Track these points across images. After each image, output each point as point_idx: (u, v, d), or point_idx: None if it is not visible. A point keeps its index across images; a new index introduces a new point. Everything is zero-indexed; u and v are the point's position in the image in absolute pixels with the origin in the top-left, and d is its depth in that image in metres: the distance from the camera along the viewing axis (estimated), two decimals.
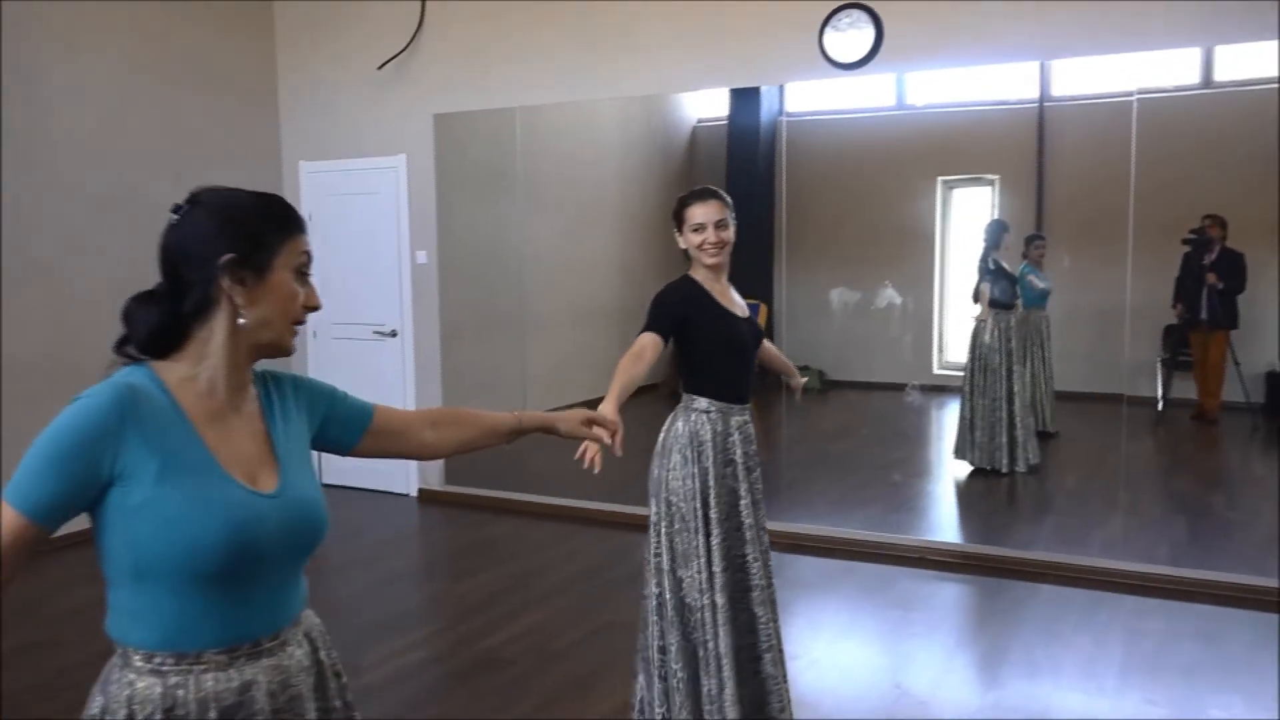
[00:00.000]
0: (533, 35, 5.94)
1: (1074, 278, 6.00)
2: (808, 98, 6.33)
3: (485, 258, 6.81)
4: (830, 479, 6.38)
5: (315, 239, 6.46)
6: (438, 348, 6.45)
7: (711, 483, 2.96)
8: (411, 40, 6.23)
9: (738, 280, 3.13)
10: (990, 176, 6.33)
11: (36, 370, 5.30)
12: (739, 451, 3.03)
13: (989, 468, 5.86)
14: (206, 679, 1.39)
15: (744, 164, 6.70)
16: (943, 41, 4.99)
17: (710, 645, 2.91)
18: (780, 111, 6.14)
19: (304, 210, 6.75)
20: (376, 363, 6.65)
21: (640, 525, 5.70)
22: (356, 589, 4.91)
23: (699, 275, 3.04)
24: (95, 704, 1.43)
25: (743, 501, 3.01)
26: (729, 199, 3.03)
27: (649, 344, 2.91)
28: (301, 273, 1.50)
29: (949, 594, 4.78)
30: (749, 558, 3.00)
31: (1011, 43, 4.89)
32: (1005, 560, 4.96)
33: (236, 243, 1.42)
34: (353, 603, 4.71)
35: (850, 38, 5.11)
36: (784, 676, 3.09)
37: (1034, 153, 6.06)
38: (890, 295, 6.37)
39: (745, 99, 6.39)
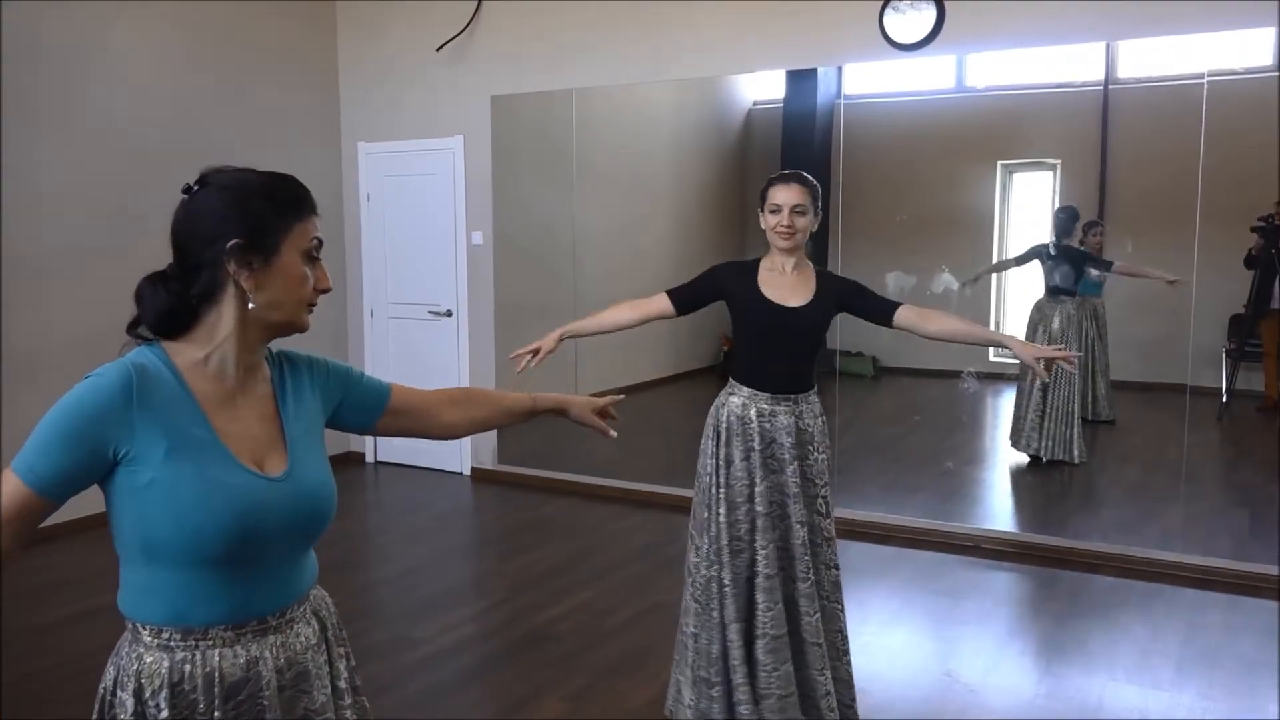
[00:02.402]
0: (590, 17, 5.94)
1: (1137, 264, 5.87)
2: (865, 80, 6.25)
3: (540, 240, 6.85)
4: (883, 466, 6.34)
5: (373, 219, 6.56)
6: (492, 328, 6.50)
7: (731, 465, 2.98)
8: (470, 22, 6.27)
9: None
10: (1052, 161, 6.21)
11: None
12: (777, 441, 2.97)
13: (1048, 457, 5.78)
14: (213, 655, 1.41)
15: (799, 147, 6.64)
16: (1006, 22, 4.90)
17: (715, 614, 2.99)
18: (837, 94, 6.08)
19: (362, 191, 6.86)
20: (431, 342, 6.73)
21: (689, 508, 5.72)
22: (411, 564, 4.99)
23: (767, 260, 3.03)
24: (107, 675, 1.46)
25: (790, 494, 2.98)
26: (816, 187, 2.99)
27: (655, 302, 3.09)
28: (311, 255, 1.49)
29: (1002, 583, 4.74)
30: (794, 550, 2.98)
31: (1077, 23, 4.79)
32: (1060, 550, 4.89)
33: (244, 226, 1.41)
34: (407, 577, 4.79)
35: (911, 18, 5.03)
36: (837, 675, 3.05)
37: (1098, 137, 5.93)
38: (947, 280, 6.28)
39: (802, 81, 6.34)
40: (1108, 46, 5.50)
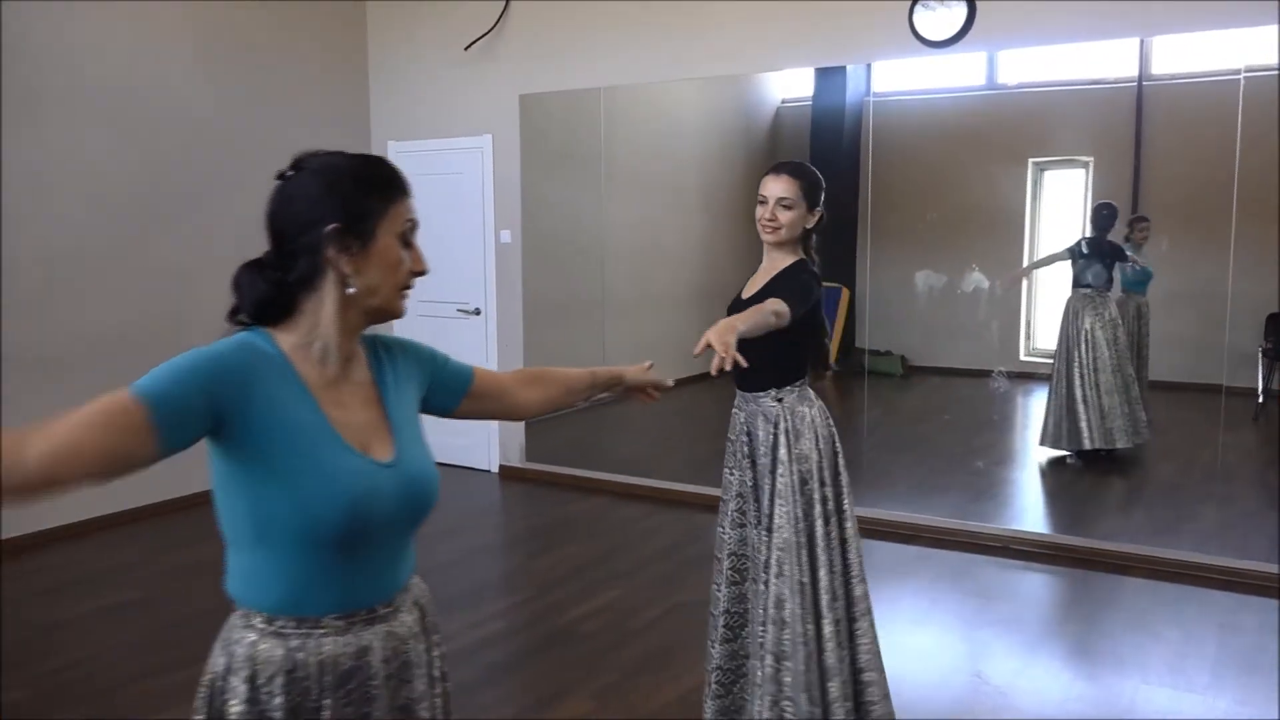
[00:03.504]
0: (618, 15, 5.95)
1: (1171, 263, 5.80)
2: (895, 77, 6.22)
3: (568, 238, 6.86)
4: (912, 465, 6.30)
5: None
6: (520, 326, 6.53)
7: (732, 475, 2.90)
8: (498, 21, 6.29)
9: (822, 263, 3.01)
10: (1084, 158, 6.15)
11: (121, 342, 5.53)
12: (755, 441, 2.82)
13: (1092, 448, 5.76)
14: (326, 642, 1.40)
15: (828, 145, 6.62)
16: (1037, 18, 4.85)
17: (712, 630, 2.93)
18: (867, 91, 6.04)
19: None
20: (459, 341, 6.76)
21: (718, 507, 5.71)
22: (439, 561, 5.02)
23: (764, 250, 2.92)
24: (218, 662, 1.44)
25: (764, 502, 2.79)
26: (812, 180, 2.83)
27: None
28: (406, 238, 1.48)
29: (1032, 584, 4.69)
30: (771, 556, 2.74)
31: (1110, 19, 4.73)
32: (1091, 551, 4.84)
33: (341, 211, 1.40)
34: (435, 574, 4.80)
35: (941, 15, 5.00)
36: (827, 685, 2.75)
37: (1131, 134, 5.87)
38: (977, 279, 6.24)
39: (830, 79, 6.31)
40: (1141, 42, 5.44)
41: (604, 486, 6.21)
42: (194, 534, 5.33)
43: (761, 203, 2.83)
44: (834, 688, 2.72)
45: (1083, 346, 5.73)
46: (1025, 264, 6.26)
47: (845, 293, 6.71)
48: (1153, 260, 5.74)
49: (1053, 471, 6.01)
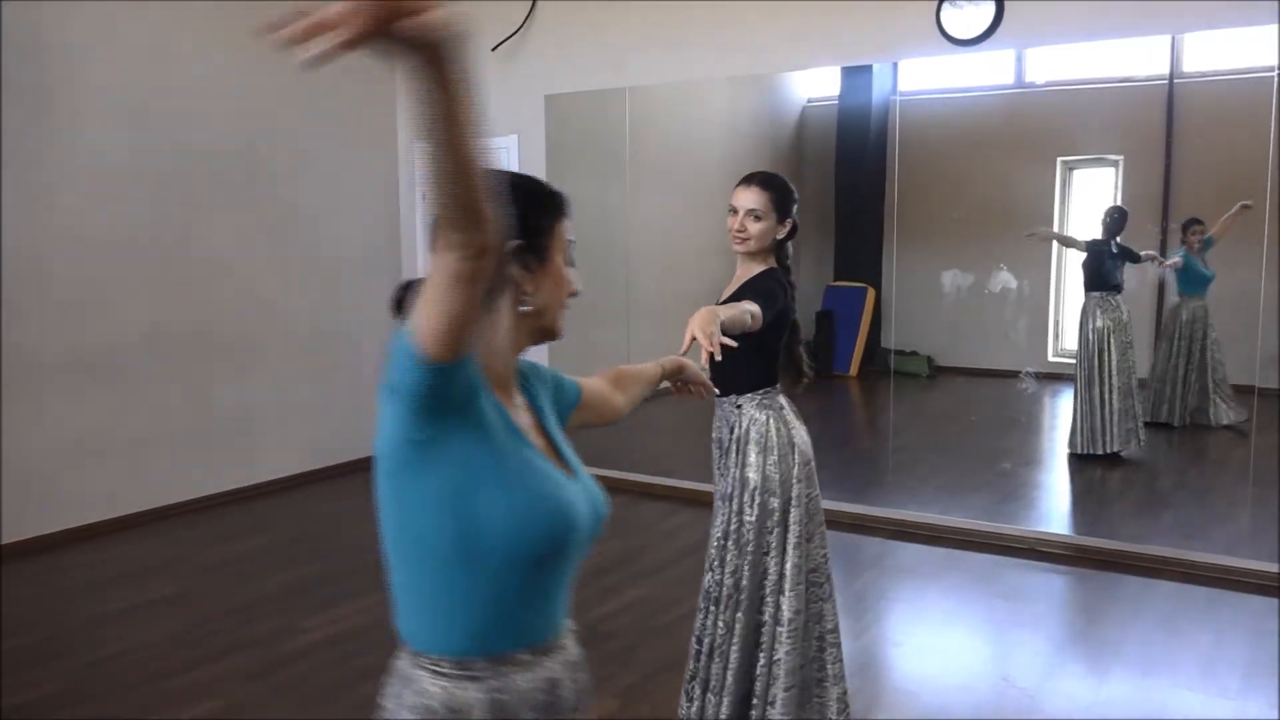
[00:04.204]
0: (643, 15, 5.95)
1: (1202, 263, 5.73)
2: (922, 75, 6.18)
3: (593, 238, 6.86)
4: (938, 466, 6.26)
5: (428, 218, 6.58)
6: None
7: (715, 479, 2.98)
8: (524, 22, 6.31)
9: (847, 263, 3.04)
10: (1114, 157, 6.09)
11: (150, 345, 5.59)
12: (721, 451, 2.92)
13: (1108, 450, 5.72)
14: (519, 679, 1.31)
15: (854, 144, 6.59)
16: (1067, 15, 4.81)
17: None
18: (893, 90, 6.02)
19: (417, 191, 6.93)
20: None
21: None
22: None
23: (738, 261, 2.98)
24: (397, 714, 1.33)
25: (720, 506, 2.88)
26: (782, 191, 2.85)
27: None
28: (568, 257, 1.47)
29: (1060, 586, 4.65)
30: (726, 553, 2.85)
31: (1140, 16, 4.68)
32: (1120, 554, 4.79)
33: (520, 227, 1.35)
34: None
35: (969, 13, 4.96)
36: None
37: (1162, 132, 5.81)
38: (1005, 279, 6.20)
39: (857, 78, 6.29)
40: (1173, 40, 5.38)
41: (625, 485, 6.21)
42: (230, 530, 5.39)
43: (732, 213, 2.90)
44: (760, 684, 2.84)
45: (1099, 348, 5.71)
46: (1054, 265, 6.20)
47: (871, 293, 6.68)
48: (1168, 261, 5.69)
49: (1081, 473, 5.95)
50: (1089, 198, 6.11)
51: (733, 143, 7.39)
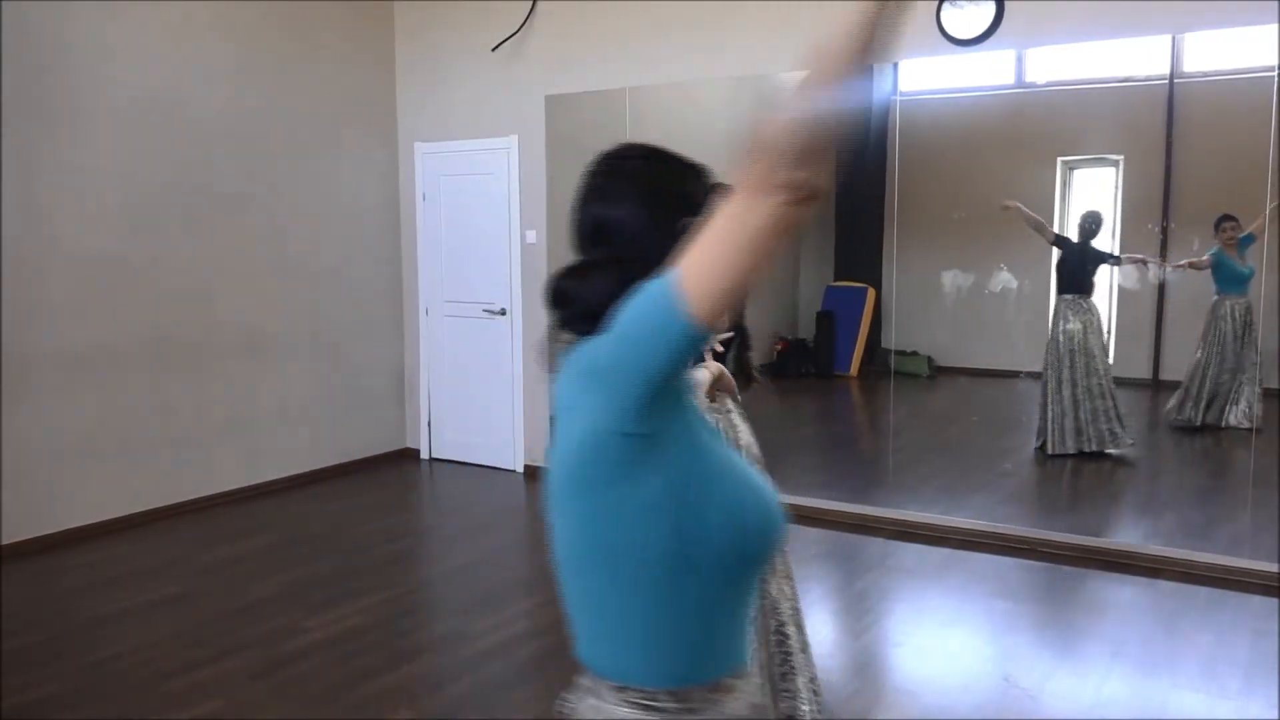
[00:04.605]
0: (643, 16, 5.95)
1: (1239, 260, 5.71)
2: (922, 75, 6.18)
3: None
4: (939, 466, 6.26)
5: (428, 219, 6.62)
6: (546, 327, 6.54)
7: None
8: (524, 22, 6.30)
9: (847, 263, 3.04)
10: (1114, 157, 6.09)
11: (144, 351, 5.59)
12: None
13: (1088, 449, 5.75)
14: (730, 706, 1.18)
15: (854, 144, 6.59)
16: (1067, 16, 4.81)
17: None
18: (893, 90, 6.01)
19: (418, 191, 6.93)
20: (485, 341, 6.78)
21: None
22: (465, 560, 5.04)
23: None
24: None
25: None
26: None
27: None
28: None
29: (1061, 586, 4.65)
30: None
31: (1140, 16, 4.68)
32: (1122, 554, 4.79)
33: (687, 204, 1.25)
34: (462, 573, 4.84)
35: (969, 13, 4.96)
36: None
37: (1162, 132, 5.80)
38: (1005, 279, 6.20)
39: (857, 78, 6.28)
40: (1173, 39, 5.38)
41: None
42: (231, 530, 5.39)
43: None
44: None
45: (1071, 349, 5.74)
46: (1055, 265, 6.20)
47: (871, 293, 6.68)
48: (1182, 259, 5.67)
49: (1082, 474, 5.95)
50: (1089, 198, 6.11)
51: (733, 142, 7.38)
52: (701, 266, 1.01)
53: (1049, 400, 5.84)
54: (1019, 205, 5.99)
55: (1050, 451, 5.86)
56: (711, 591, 1.15)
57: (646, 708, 1.15)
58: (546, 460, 1.28)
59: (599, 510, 1.13)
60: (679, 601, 1.14)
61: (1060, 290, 5.86)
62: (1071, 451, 5.82)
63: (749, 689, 1.23)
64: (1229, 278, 5.53)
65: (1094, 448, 5.79)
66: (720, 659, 1.19)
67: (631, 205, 1.25)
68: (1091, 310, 5.79)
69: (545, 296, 1.29)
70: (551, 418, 1.32)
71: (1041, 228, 5.90)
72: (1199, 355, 5.61)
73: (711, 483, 1.13)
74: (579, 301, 1.23)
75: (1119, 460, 5.84)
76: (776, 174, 0.97)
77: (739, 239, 0.99)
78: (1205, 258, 5.54)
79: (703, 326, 1.01)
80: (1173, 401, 5.81)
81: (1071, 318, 5.78)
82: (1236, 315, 5.57)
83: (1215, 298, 5.57)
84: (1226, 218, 5.47)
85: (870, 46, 0.99)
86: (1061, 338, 5.79)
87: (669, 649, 1.16)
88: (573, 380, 1.16)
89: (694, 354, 1.06)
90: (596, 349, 1.11)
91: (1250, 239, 5.31)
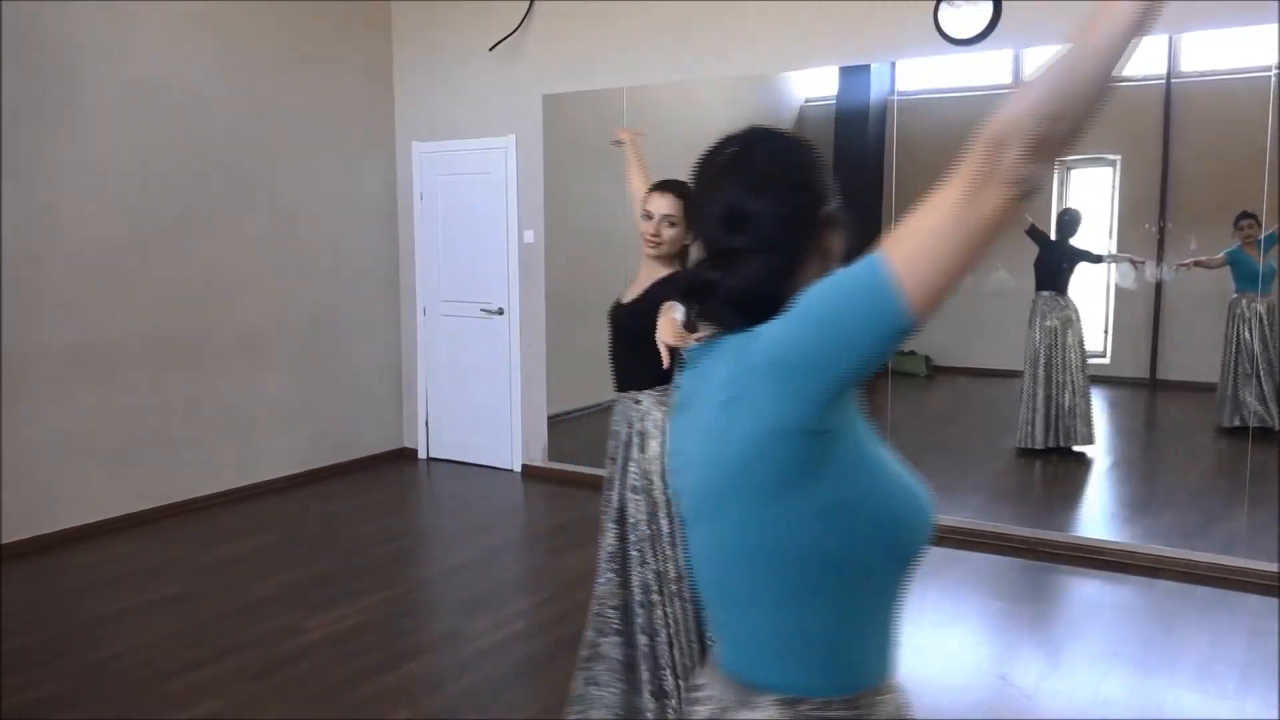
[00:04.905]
0: (641, 15, 5.95)
1: (1257, 257, 5.69)
2: (919, 75, 6.18)
3: (591, 238, 6.87)
4: (937, 466, 6.25)
5: (426, 218, 6.60)
6: (543, 326, 6.54)
7: (606, 474, 3.06)
8: (522, 21, 6.30)
9: (845, 262, 3.04)
10: (1111, 156, 6.09)
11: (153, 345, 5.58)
12: (618, 439, 3.02)
13: (1051, 445, 5.81)
14: (885, 710, 1.15)
15: (852, 144, 6.58)
16: (1063, 15, 4.80)
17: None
18: (891, 90, 6.02)
19: (415, 190, 6.93)
20: (482, 341, 6.78)
21: None
22: (463, 560, 5.05)
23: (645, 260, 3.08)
24: None
25: (612, 495, 2.97)
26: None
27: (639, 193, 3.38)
28: None
29: (1058, 586, 4.66)
30: (631, 549, 2.91)
31: None
32: (1119, 553, 4.80)
33: (825, 192, 1.21)
34: (460, 573, 4.85)
35: (967, 13, 4.97)
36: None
37: (1159, 131, 5.80)
38: (1003, 279, 6.20)
39: (854, 77, 6.28)
40: (1170, 39, 5.38)
41: None
42: (230, 530, 5.39)
43: (647, 218, 3.01)
44: (687, 663, 2.90)
45: (1049, 346, 5.77)
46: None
47: None
48: (1179, 258, 5.67)
49: (1081, 474, 5.96)
50: (1086, 197, 6.11)
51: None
52: (921, 257, 0.96)
53: (1024, 396, 5.89)
54: None
55: (1018, 444, 5.90)
56: (878, 594, 1.13)
57: (788, 711, 1.11)
58: (675, 466, 1.23)
59: (772, 515, 1.07)
60: (851, 606, 1.11)
61: (1038, 287, 5.89)
62: (1039, 447, 5.86)
63: (896, 691, 1.20)
64: (1247, 276, 5.45)
65: (1060, 443, 5.82)
66: (884, 662, 1.17)
67: (775, 192, 1.19)
68: (1069, 308, 5.81)
69: (683, 288, 1.23)
70: (665, 416, 1.31)
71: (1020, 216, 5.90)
72: (1224, 356, 5.56)
73: (876, 481, 1.10)
74: (730, 292, 1.16)
75: (1117, 460, 5.85)
76: (1011, 166, 0.93)
77: (964, 231, 0.95)
78: (1219, 256, 5.49)
79: (916, 320, 0.96)
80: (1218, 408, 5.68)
81: (1049, 315, 5.81)
82: (1257, 314, 5.49)
83: (1234, 296, 5.52)
84: (1245, 215, 5.37)
85: (1141, 23, 0.94)
86: (1038, 334, 5.82)
87: (843, 656, 1.13)
88: (733, 375, 1.08)
89: (897, 349, 1.01)
90: (776, 340, 1.04)
91: (1274, 239, 5.22)
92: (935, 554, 4.97)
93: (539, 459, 6.65)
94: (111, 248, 5.33)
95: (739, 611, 1.14)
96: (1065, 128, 0.92)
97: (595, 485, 6.24)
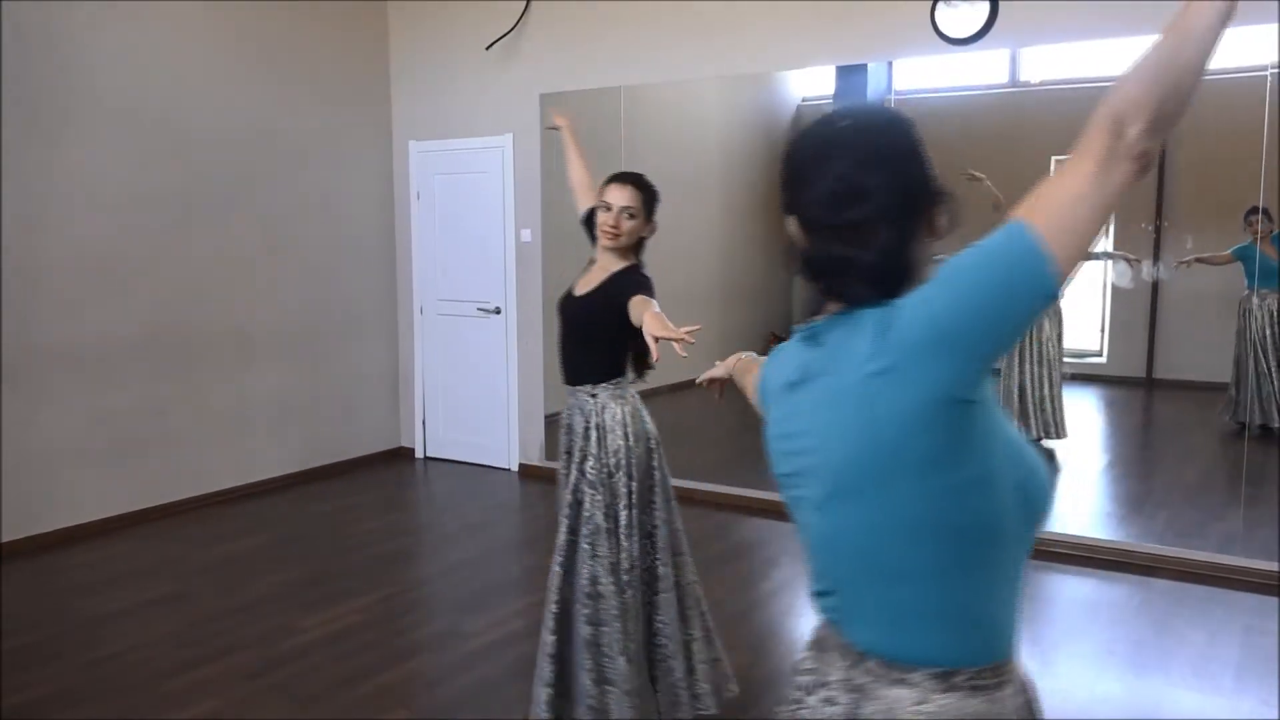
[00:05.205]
0: (638, 14, 5.95)
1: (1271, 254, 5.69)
2: (916, 75, 6.18)
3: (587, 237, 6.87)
4: None
5: (423, 217, 6.61)
6: (540, 325, 6.54)
7: (560, 467, 3.06)
8: (519, 20, 6.30)
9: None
10: None
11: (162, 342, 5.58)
12: (573, 434, 3.01)
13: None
14: (1019, 677, 1.19)
15: None
16: (1060, 15, 4.82)
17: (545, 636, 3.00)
18: (888, 89, 6.02)
19: (413, 189, 6.92)
20: (480, 339, 6.78)
21: (739, 505, 5.71)
22: (460, 558, 5.04)
23: (598, 253, 3.09)
24: None
25: (566, 492, 2.95)
26: (653, 191, 3.06)
27: (584, 191, 3.51)
28: None
29: (1054, 585, 4.67)
30: (585, 540, 2.91)
31: (1134, 16, 4.69)
32: (1115, 551, 4.81)
33: (931, 166, 1.25)
34: (457, 571, 4.84)
35: (964, 12, 4.98)
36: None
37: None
38: None
39: (851, 77, 6.28)
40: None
41: None
42: (227, 529, 5.39)
43: (605, 209, 3.02)
44: (634, 649, 2.94)
45: (1027, 335, 5.78)
46: (996, 203, 6.18)
47: None
48: (1177, 257, 5.67)
49: (1076, 471, 5.96)
50: None
51: (727, 142, 7.39)
52: (1065, 227, 1.00)
53: (999, 388, 5.89)
54: (985, 179, 5.99)
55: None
56: (1015, 562, 1.15)
57: (974, 689, 1.13)
58: (793, 447, 1.20)
59: (932, 487, 1.08)
60: (995, 575, 1.13)
61: None
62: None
63: (1019, 675, 1.23)
64: (1262, 272, 5.38)
65: (1034, 435, 5.82)
66: (1016, 630, 1.19)
67: (892, 166, 1.20)
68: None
69: (806, 264, 1.22)
70: (769, 395, 1.29)
71: (999, 206, 5.87)
72: (1236, 353, 5.51)
73: (1010, 449, 1.12)
74: (868, 267, 1.16)
75: (1113, 459, 5.85)
76: (1134, 143, 0.98)
77: (1099, 203, 1.00)
78: (1225, 253, 5.45)
79: (1061, 286, 1.01)
80: (1222, 405, 5.65)
81: None
82: (1269, 311, 5.42)
83: (1245, 293, 5.48)
84: (1255, 210, 5.32)
85: (1229, 16, 1.01)
86: None
87: (989, 626, 1.14)
88: (880, 348, 1.08)
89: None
90: (931, 312, 1.05)
91: None
92: None
93: (536, 458, 6.65)
94: (108, 247, 5.33)
95: (889, 587, 1.14)
96: (1175, 109, 0.98)
97: None
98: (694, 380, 2.20)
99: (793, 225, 1.27)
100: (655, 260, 7.31)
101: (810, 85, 7.05)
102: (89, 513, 5.29)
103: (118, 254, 5.37)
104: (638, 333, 2.93)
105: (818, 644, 1.26)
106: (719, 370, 1.98)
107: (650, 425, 3.04)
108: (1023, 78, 6.13)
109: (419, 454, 7.03)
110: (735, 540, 5.24)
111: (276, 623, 4.08)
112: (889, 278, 1.15)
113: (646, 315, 2.48)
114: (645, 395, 3.11)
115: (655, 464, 3.01)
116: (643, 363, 3.06)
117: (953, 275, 1.06)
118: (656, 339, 2.40)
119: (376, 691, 3.53)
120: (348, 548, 5.10)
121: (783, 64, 6.00)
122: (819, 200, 1.20)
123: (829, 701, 1.19)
